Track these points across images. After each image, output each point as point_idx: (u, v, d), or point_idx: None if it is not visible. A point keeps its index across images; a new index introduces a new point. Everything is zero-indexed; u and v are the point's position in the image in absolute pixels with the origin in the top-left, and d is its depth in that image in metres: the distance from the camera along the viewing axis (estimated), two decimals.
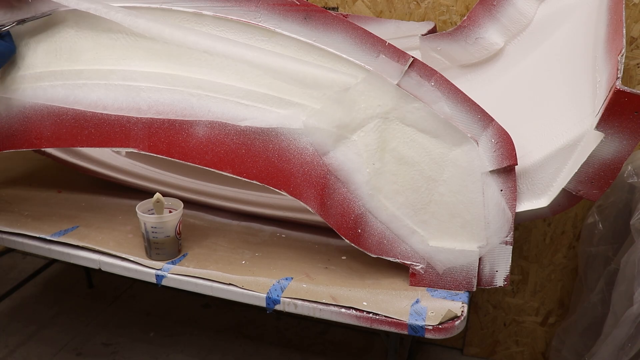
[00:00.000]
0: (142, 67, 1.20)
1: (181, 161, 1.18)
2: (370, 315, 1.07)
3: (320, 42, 1.08)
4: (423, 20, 1.56)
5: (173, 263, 1.22)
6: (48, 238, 1.30)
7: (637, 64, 1.46)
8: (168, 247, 1.23)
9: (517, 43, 1.33)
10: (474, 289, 1.13)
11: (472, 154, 1.06)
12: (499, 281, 1.12)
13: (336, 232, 1.13)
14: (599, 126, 0.92)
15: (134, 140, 1.20)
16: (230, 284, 1.16)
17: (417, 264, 1.13)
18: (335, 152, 1.10)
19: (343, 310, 1.08)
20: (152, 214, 1.21)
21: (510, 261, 1.10)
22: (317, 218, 1.15)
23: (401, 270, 1.19)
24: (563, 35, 1.23)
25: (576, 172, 0.99)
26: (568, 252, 1.71)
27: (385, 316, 1.06)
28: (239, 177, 1.16)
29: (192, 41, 1.13)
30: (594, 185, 1.00)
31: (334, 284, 1.16)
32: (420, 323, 1.03)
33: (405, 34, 1.49)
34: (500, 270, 1.11)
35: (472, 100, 1.04)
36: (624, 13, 1.03)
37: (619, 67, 0.90)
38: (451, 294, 1.12)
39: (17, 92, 1.27)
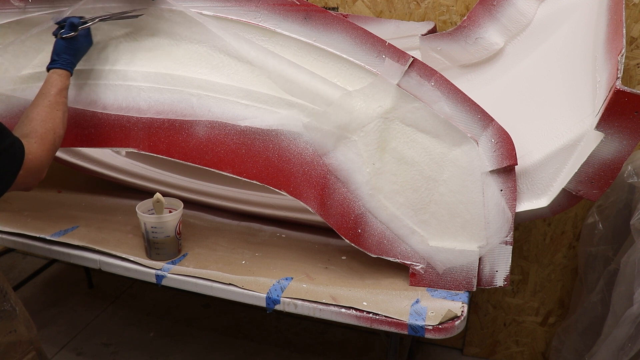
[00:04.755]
0: (142, 67, 1.20)
1: (181, 161, 1.18)
2: (370, 315, 1.07)
3: (321, 42, 1.08)
4: (423, 20, 1.56)
5: (173, 263, 1.22)
6: (48, 238, 1.30)
7: (637, 64, 1.46)
8: (168, 247, 1.22)
9: (517, 43, 1.33)
10: (474, 289, 1.13)
11: (472, 154, 1.05)
12: (499, 281, 1.12)
13: (336, 232, 1.13)
14: (599, 126, 0.92)
15: (134, 140, 1.20)
16: (230, 284, 1.16)
17: (417, 264, 1.13)
18: (335, 152, 1.10)
19: (343, 310, 1.08)
20: (152, 214, 1.20)
21: (510, 261, 1.10)
22: (317, 218, 1.15)
23: (401, 270, 1.19)
24: (563, 36, 1.23)
25: (576, 172, 0.99)
26: (568, 252, 1.71)
27: (385, 316, 1.05)
28: (239, 177, 1.16)
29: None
30: (594, 185, 1.00)
31: (334, 284, 1.16)
32: (420, 323, 1.03)
33: (405, 34, 1.49)
34: (500, 270, 1.11)
35: (472, 100, 1.04)
36: (624, 13, 1.03)
37: (619, 67, 0.90)
38: (451, 294, 1.12)
39: (17, 91, 1.27)
